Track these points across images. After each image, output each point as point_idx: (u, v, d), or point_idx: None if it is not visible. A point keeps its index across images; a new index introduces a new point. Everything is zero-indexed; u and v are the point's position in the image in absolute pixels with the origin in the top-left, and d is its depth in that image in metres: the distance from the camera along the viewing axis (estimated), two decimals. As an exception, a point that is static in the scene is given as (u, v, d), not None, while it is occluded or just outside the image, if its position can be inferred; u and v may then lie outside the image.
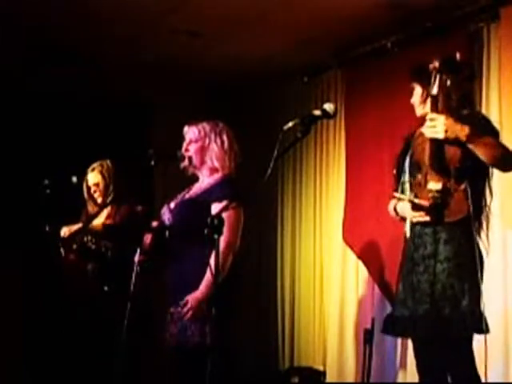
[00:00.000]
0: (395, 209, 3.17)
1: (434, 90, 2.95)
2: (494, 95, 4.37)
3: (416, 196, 2.99)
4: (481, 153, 2.86)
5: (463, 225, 2.92)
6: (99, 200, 4.55)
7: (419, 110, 3.11)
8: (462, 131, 2.85)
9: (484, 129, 2.95)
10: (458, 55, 3.05)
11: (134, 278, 3.48)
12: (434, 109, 2.93)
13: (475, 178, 2.95)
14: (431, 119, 2.90)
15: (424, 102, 3.06)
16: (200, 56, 5.47)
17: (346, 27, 4.87)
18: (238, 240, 3.45)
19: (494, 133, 3.02)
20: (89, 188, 4.58)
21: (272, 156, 2.79)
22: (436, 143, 2.92)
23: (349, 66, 5.42)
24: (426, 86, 3.02)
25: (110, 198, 4.49)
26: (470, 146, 2.86)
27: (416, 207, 2.97)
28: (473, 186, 2.92)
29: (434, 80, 2.96)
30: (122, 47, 5.30)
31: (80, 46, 5.27)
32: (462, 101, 3.05)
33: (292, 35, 5.08)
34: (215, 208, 3.38)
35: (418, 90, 3.12)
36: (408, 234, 3.09)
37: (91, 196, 4.58)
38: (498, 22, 4.37)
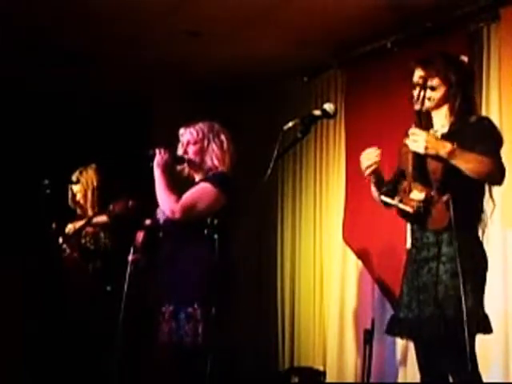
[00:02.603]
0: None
1: (417, 106, 2.99)
2: (494, 95, 4.37)
3: (401, 201, 3.01)
4: (464, 168, 2.88)
5: (463, 227, 2.93)
6: (88, 205, 4.58)
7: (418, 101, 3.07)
8: (444, 148, 2.86)
9: (486, 139, 2.95)
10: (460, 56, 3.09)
11: (127, 277, 3.49)
12: (418, 124, 2.97)
13: (466, 186, 2.95)
14: (413, 133, 2.92)
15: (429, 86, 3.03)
16: (200, 56, 5.47)
17: (346, 27, 4.87)
18: (198, 211, 3.40)
19: (498, 142, 3.02)
20: (74, 195, 4.62)
21: (272, 156, 2.79)
22: (417, 156, 2.95)
23: (349, 66, 5.42)
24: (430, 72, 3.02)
25: (93, 202, 4.53)
26: (453, 162, 2.88)
27: (401, 213, 3.00)
28: (463, 194, 2.93)
29: (418, 95, 2.98)
30: (122, 47, 5.30)
31: (80, 45, 5.27)
32: (467, 106, 3.06)
33: (292, 35, 5.08)
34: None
35: (420, 74, 3.07)
36: (408, 244, 3.09)
37: (77, 202, 4.61)
38: (498, 22, 4.37)
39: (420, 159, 2.95)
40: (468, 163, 2.87)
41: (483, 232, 3.05)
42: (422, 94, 3.00)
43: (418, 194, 2.95)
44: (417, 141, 2.89)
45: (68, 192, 4.67)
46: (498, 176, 2.93)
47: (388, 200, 3.05)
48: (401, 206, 2.99)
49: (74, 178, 4.63)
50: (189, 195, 3.41)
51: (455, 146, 2.86)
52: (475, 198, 3.03)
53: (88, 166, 4.66)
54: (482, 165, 2.87)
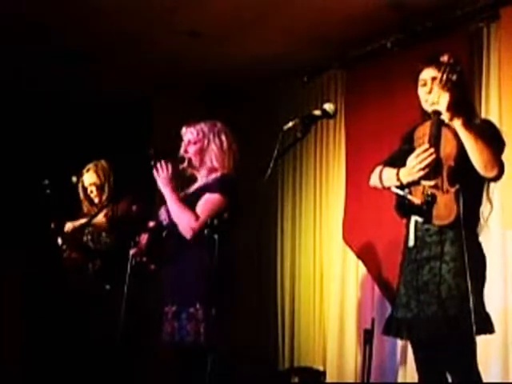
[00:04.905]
0: (381, 177, 3.17)
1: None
2: (494, 95, 4.38)
3: (410, 193, 3.01)
4: (470, 147, 2.87)
5: (467, 225, 2.93)
6: (96, 200, 4.58)
7: (426, 98, 3.05)
8: (459, 117, 2.88)
9: (490, 139, 2.95)
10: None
11: (128, 271, 3.50)
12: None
13: (472, 182, 2.95)
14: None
15: (440, 87, 3.02)
16: (200, 56, 5.47)
17: (346, 27, 4.88)
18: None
19: (501, 144, 3.03)
20: (85, 189, 4.60)
21: (272, 156, 2.79)
22: (432, 139, 2.94)
23: (349, 66, 5.42)
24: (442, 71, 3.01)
25: (105, 197, 4.52)
26: (462, 136, 2.88)
27: (408, 210, 3.00)
28: (468, 190, 2.93)
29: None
30: (122, 47, 5.30)
31: (79, 45, 5.27)
32: (470, 109, 3.07)
33: (292, 35, 5.08)
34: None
35: (431, 74, 3.06)
36: (412, 243, 3.07)
37: (87, 196, 4.60)
38: (498, 21, 4.38)
39: (435, 143, 2.94)
40: (476, 142, 2.87)
41: (480, 233, 3.05)
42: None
43: (427, 181, 2.95)
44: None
45: (69, 190, 4.64)
46: (497, 170, 2.92)
47: (398, 191, 3.05)
48: (409, 197, 2.99)
49: (85, 171, 4.61)
50: (205, 211, 3.40)
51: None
52: (479, 197, 3.03)
53: (99, 160, 4.65)
54: (487, 150, 2.88)
